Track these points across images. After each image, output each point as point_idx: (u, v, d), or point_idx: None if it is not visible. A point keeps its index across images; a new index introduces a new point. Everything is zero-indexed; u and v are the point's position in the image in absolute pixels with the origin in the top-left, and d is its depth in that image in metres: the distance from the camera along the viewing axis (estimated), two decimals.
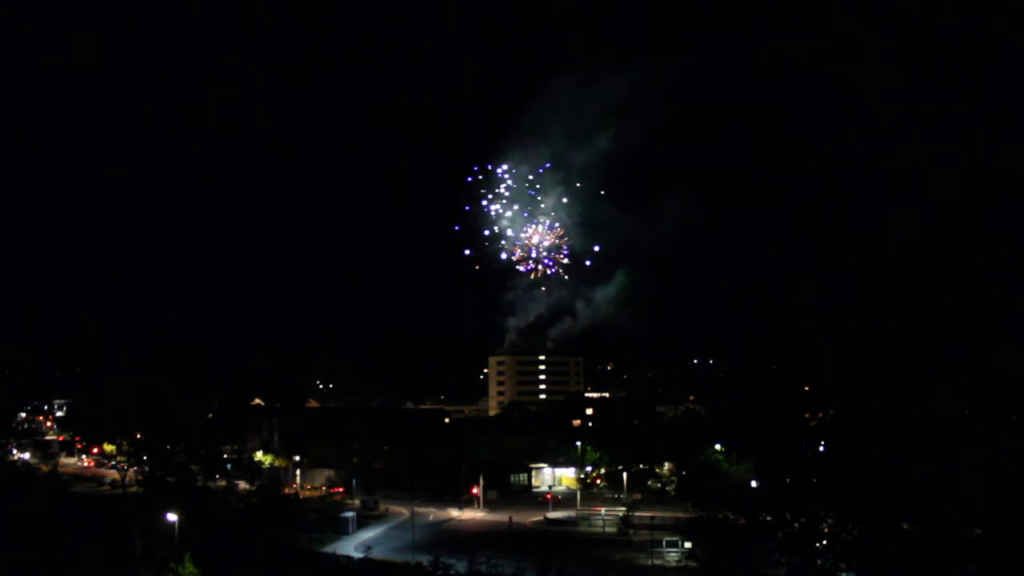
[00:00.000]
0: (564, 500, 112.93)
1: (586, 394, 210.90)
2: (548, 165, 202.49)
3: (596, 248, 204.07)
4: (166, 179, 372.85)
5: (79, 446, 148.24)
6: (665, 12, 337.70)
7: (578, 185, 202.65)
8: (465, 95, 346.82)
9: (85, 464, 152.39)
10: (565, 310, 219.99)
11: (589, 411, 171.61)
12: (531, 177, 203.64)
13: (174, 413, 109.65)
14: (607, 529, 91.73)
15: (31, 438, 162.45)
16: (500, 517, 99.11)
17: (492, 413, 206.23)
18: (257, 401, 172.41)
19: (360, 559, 73.20)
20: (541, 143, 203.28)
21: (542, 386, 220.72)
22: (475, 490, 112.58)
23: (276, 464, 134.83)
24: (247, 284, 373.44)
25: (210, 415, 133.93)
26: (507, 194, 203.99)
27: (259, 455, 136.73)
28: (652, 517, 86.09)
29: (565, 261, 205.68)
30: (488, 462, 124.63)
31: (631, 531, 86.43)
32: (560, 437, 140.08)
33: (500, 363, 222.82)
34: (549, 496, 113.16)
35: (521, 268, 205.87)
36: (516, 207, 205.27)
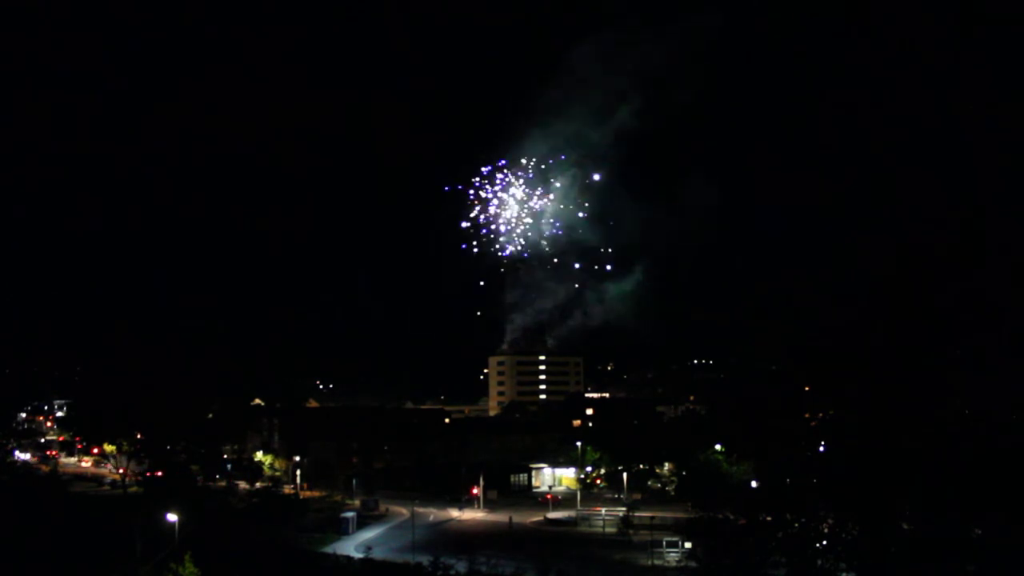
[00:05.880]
0: (564, 500, 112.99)
1: (586, 394, 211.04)
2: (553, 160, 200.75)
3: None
4: (165, 181, 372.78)
5: (79, 446, 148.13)
6: None
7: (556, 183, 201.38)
8: (467, 82, 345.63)
9: (85, 464, 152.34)
10: (568, 308, 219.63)
11: (589, 411, 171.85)
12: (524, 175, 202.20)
13: (174, 413, 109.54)
14: (607, 529, 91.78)
15: (31, 438, 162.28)
16: (500, 517, 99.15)
17: (492, 413, 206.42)
18: (257, 401, 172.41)
19: (360, 559, 73.20)
20: (550, 130, 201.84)
21: (542, 386, 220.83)
22: (475, 490, 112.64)
23: (277, 465, 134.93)
24: (247, 284, 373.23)
25: (210, 415, 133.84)
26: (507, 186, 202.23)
27: (259, 455, 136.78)
28: (652, 517, 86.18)
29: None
30: (488, 462, 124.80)
31: (631, 531, 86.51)
32: (560, 437, 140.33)
33: (500, 363, 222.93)
34: (549, 496, 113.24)
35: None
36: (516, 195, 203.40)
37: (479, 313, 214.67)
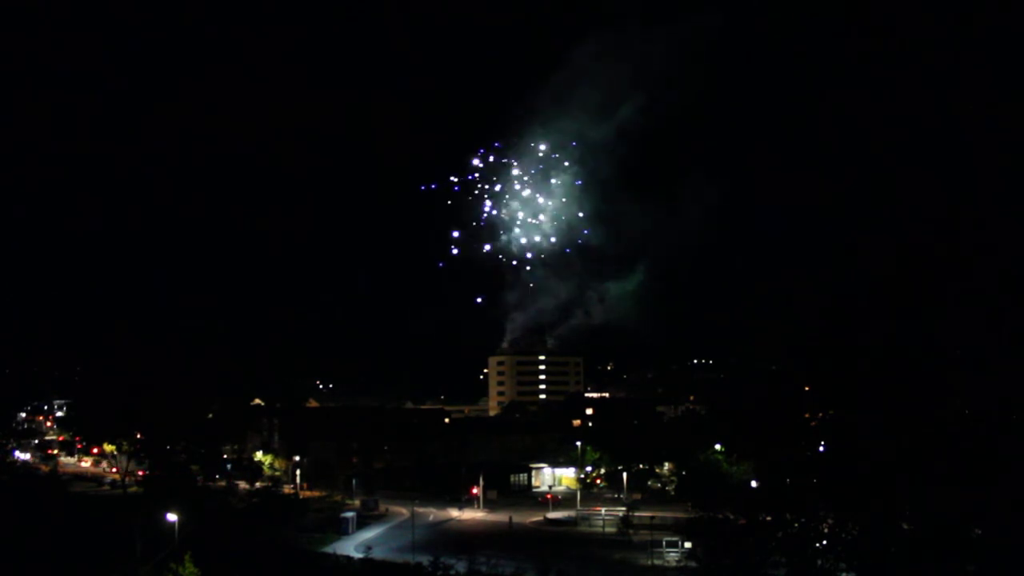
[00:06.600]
0: (564, 500, 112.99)
1: (586, 394, 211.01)
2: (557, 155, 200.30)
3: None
4: (165, 181, 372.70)
5: (79, 446, 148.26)
6: None
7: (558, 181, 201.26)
8: (467, 82, 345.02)
9: (85, 464, 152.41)
10: (569, 308, 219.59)
11: (589, 411, 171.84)
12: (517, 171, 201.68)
13: (174, 413, 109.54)
14: (607, 529, 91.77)
15: (31, 438, 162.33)
16: (500, 517, 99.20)
17: (492, 413, 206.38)
18: (257, 401, 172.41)
19: (360, 559, 73.23)
20: (544, 130, 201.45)
21: (542, 386, 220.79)
22: (475, 490, 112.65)
23: (277, 465, 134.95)
24: (247, 284, 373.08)
25: (210, 415, 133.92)
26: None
27: (259, 455, 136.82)
28: (652, 517, 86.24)
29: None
30: (488, 462, 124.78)
31: (631, 531, 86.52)
32: (560, 437, 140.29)
33: (500, 363, 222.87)
34: (549, 496, 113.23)
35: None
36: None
37: (479, 302, 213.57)
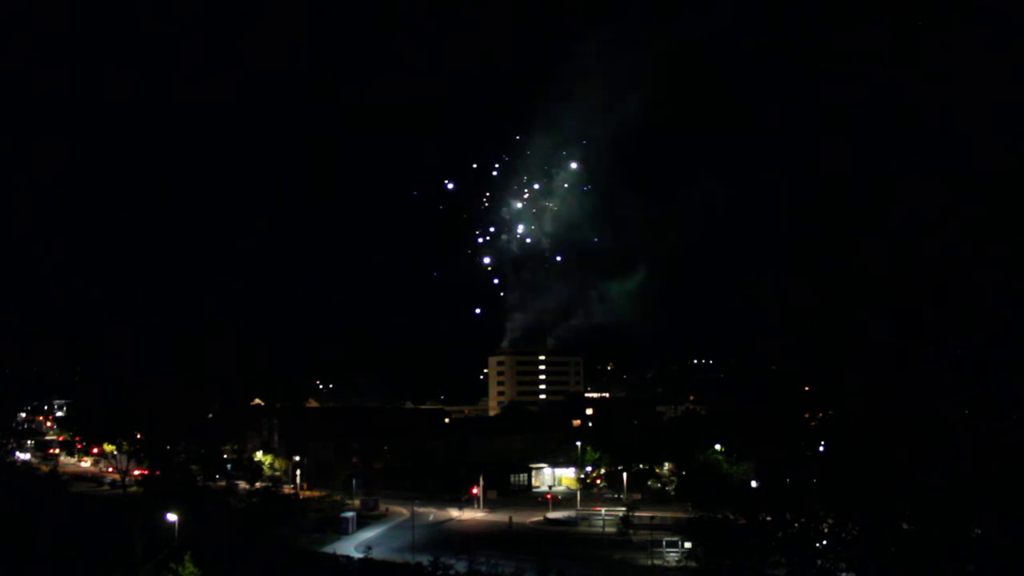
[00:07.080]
0: (564, 500, 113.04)
1: (586, 394, 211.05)
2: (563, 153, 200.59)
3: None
4: (165, 180, 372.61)
5: (79, 446, 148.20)
6: None
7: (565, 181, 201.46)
8: (467, 82, 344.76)
9: (85, 464, 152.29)
10: (569, 308, 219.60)
11: (589, 411, 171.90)
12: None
13: (174, 413, 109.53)
14: (607, 529, 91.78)
15: (31, 438, 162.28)
16: (500, 517, 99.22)
17: (492, 413, 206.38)
18: (257, 401, 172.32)
19: (360, 559, 73.26)
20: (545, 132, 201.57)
21: (542, 386, 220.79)
22: (475, 490, 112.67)
23: (277, 465, 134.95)
24: (247, 284, 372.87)
25: (210, 415, 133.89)
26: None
27: (259, 455, 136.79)
28: (652, 517, 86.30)
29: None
30: (488, 462, 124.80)
31: (631, 531, 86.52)
32: (560, 437, 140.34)
33: (500, 363, 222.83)
34: (549, 496, 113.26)
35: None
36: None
37: (479, 311, 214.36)
